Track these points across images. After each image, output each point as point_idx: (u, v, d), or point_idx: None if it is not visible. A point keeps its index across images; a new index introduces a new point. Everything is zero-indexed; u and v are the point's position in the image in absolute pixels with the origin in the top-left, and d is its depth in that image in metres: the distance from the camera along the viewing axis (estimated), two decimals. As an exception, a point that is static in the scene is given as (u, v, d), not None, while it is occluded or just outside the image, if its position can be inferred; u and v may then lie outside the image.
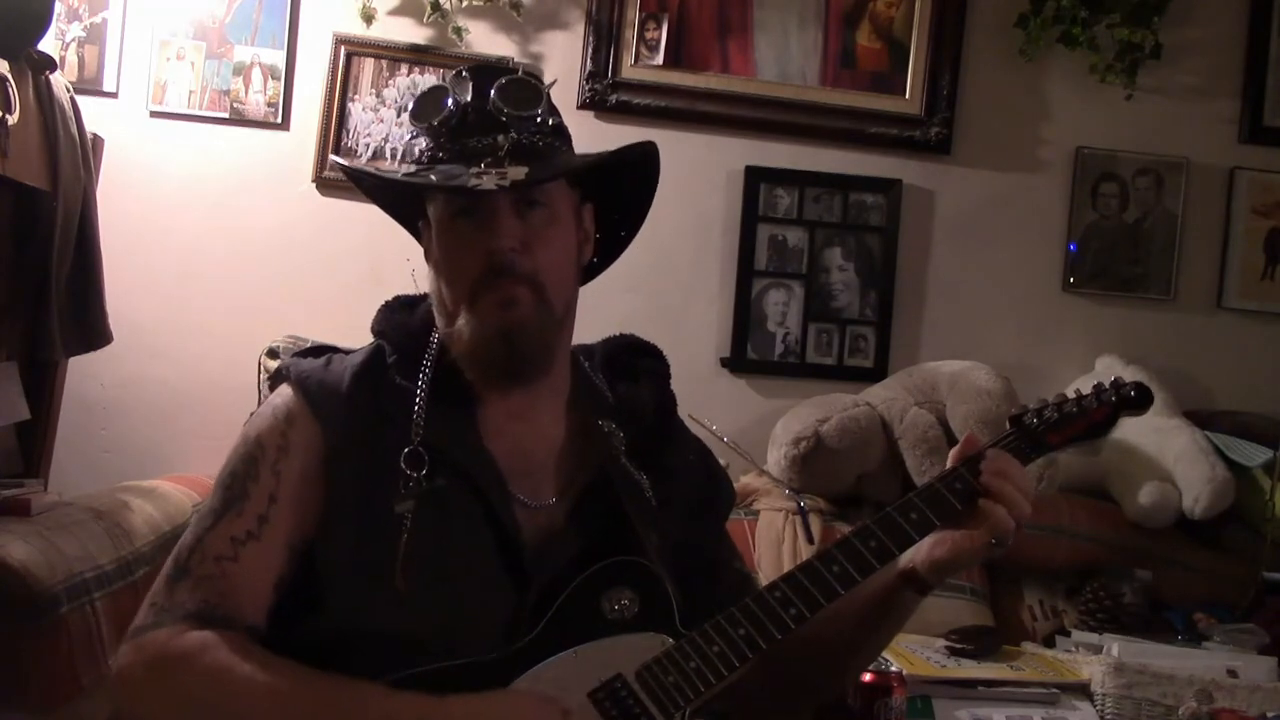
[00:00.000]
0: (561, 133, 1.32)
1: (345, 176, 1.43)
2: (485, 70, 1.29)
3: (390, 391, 1.27)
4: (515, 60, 2.66)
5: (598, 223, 1.38)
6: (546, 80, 1.32)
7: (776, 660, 1.30)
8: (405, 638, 1.16)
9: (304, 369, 1.29)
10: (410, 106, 1.30)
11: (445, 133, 1.27)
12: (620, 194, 1.38)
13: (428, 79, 2.63)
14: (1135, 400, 1.33)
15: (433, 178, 1.24)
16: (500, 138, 1.24)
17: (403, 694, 1.12)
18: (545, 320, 1.27)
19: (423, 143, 1.29)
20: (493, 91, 1.25)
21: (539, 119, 1.27)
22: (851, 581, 1.23)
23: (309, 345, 1.40)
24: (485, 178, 1.20)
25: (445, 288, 1.28)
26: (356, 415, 1.25)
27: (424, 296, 1.37)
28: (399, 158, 2.60)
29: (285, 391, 1.29)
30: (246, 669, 1.11)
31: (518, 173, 1.20)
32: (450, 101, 1.26)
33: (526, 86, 1.27)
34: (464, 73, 1.29)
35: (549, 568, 1.24)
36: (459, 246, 1.26)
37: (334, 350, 1.35)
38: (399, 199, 1.36)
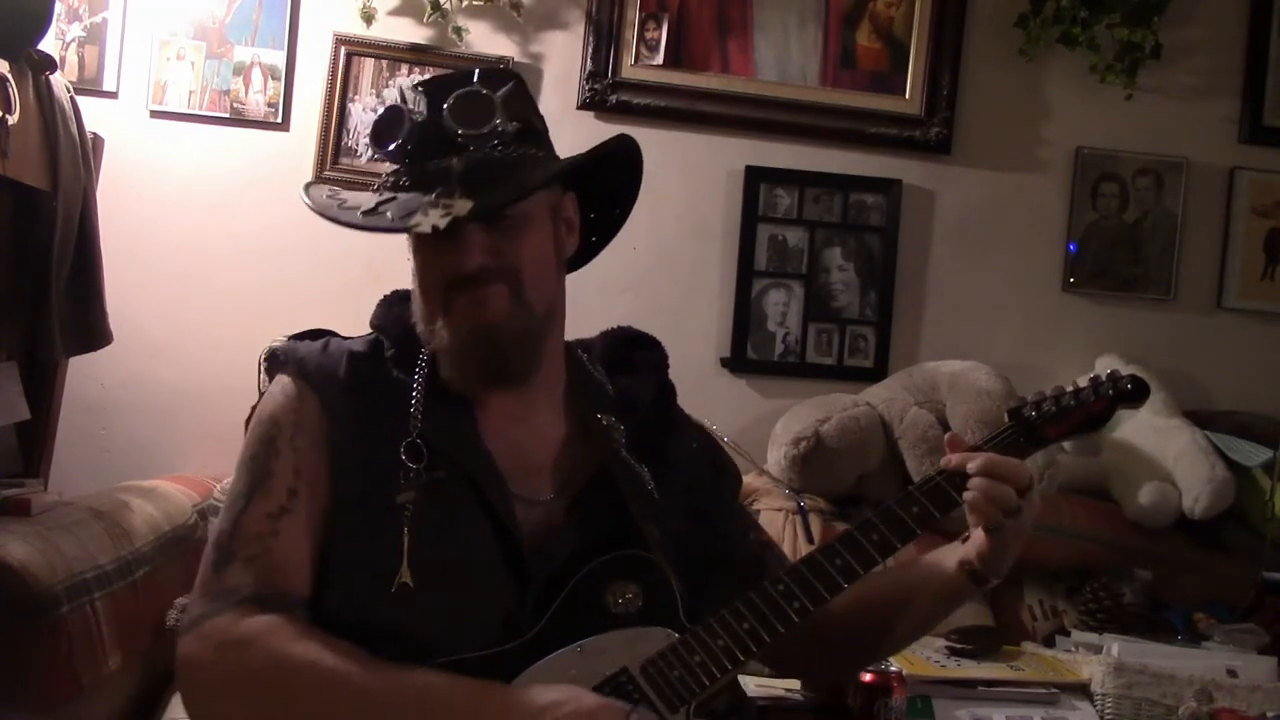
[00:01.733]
0: (526, 135, 1.28)
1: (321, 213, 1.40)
2: (437, 85, 1.27)
3: (387, 384, 1.28)
4: (516, 60, 2.65)
5: (590, 204, 1.38)
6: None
7: (816, 640, 1.33)
8: (407, 632, 1.17)
9: (301, 353, 1.30)
10: (370, 130, 1.28)
11: (406, 154, 1.25)
12: (606, 184, 1.38)
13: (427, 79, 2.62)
14: (1132, 393, 1.33)
15: (388, 213, 1.21)
16: (455, 161, 1.22)
17: (461, 679, 1.13)
18: (523, 319, 1.26)
19: (387, 165, 1.28)
20: (445, 110, 1.23)
21: (498, 130, 1.24)
22: (854, 575, 1.24)
23: (307, 330, 1.39)
24: (433, 211, 1.17)
25: (420, 295, 1.29)
26: (354, 400, 1.26)
27: None
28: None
29: (286, 375, 1.29)
30: (309, 649, 1.13)
31: (463, 206, 1.17)
32: (406, 123, 1.24)
33: (476, 102, 1.24)
34: (420, 88, 1.26)
35: (549, 563, 1.24)
36: (430, 258, 1.26)
37: (330, 334, 1.35)
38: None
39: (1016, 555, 1.29)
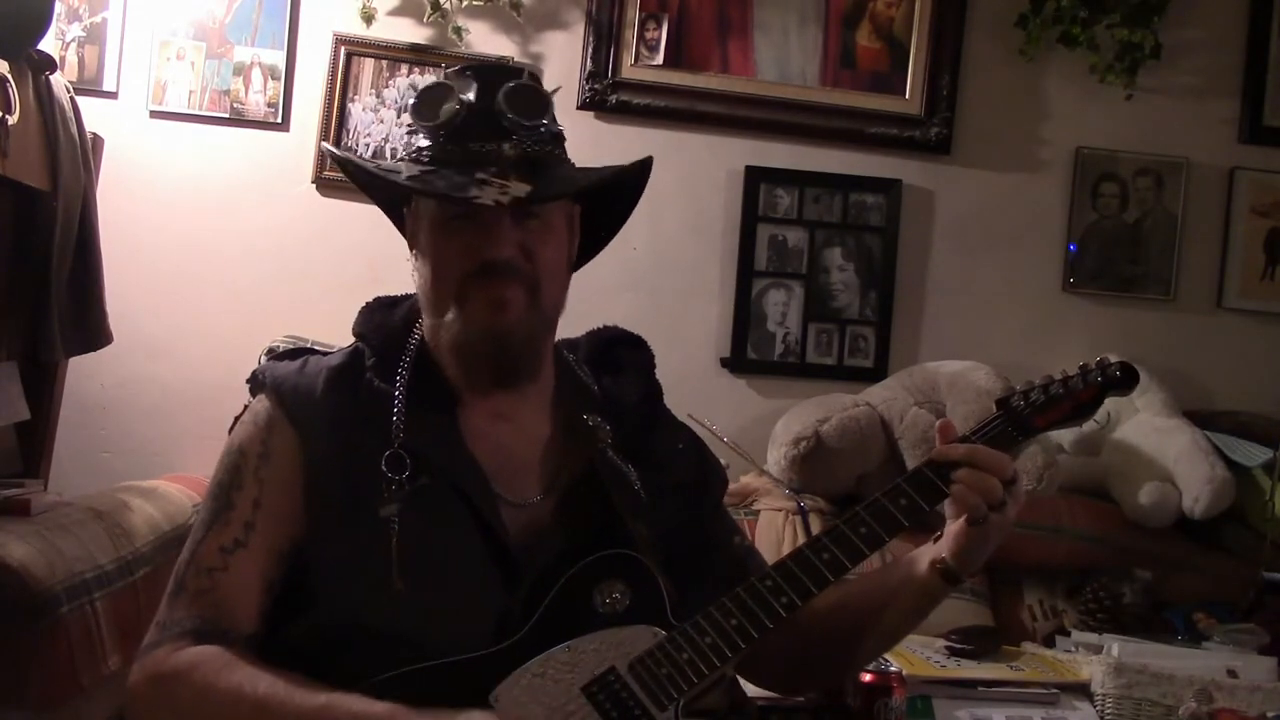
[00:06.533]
0: (560, 138, 1.32)
1: (342, 168, 1.42)
2: (490, 70, 1.29)
3: (368, 394, 1.27)
4: (515, 60, 2.66)
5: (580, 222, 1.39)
6: (546, 84, 1.32)
7: (798, 643, 1.32)
8: (398, 637, 1.17)
9: (278, 374, 1.30)
10: (412, 102, 1.29)
11: (448, 133, 1.26)
12: (607, 199, 1.38)
13: (428, 79, 2.62)
14: (1121, 380, 1.32)
15: (439, 184, 1.23)
16: (505, 146, 1.23)
17: (381, 705, 1.11)
18: (535, 324, 1.28)
19: (422, 139, 1.28)
20: (500, 96, 1.25)
21: (542, 127, 1.26)
22: (842, 569, 1.24)
23: (289, 349, 1.40)
24: (487, 189, 1.19)
25: (433, 283, 1.28)
26: (332, 418, 1.25)
27: (405, 296, 1.38)
28: (401, 155, 2.59)
29: (263, 398, 1.29)
30: (233, 682, 1.13)
31: (520, 189, 1.20)
32: (454, 101, 1.25)
33: (535, 94, 1.27)
34: (468, 71, 1.28)
35: (538, 564, 1.24)
36: (452, 247, 1.26)
37: (311, 352, 1.35)
38: (387, 188, 1.35)
39: (992, 552, 1.28)
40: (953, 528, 1.27)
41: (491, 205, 1.19)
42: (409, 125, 1.30)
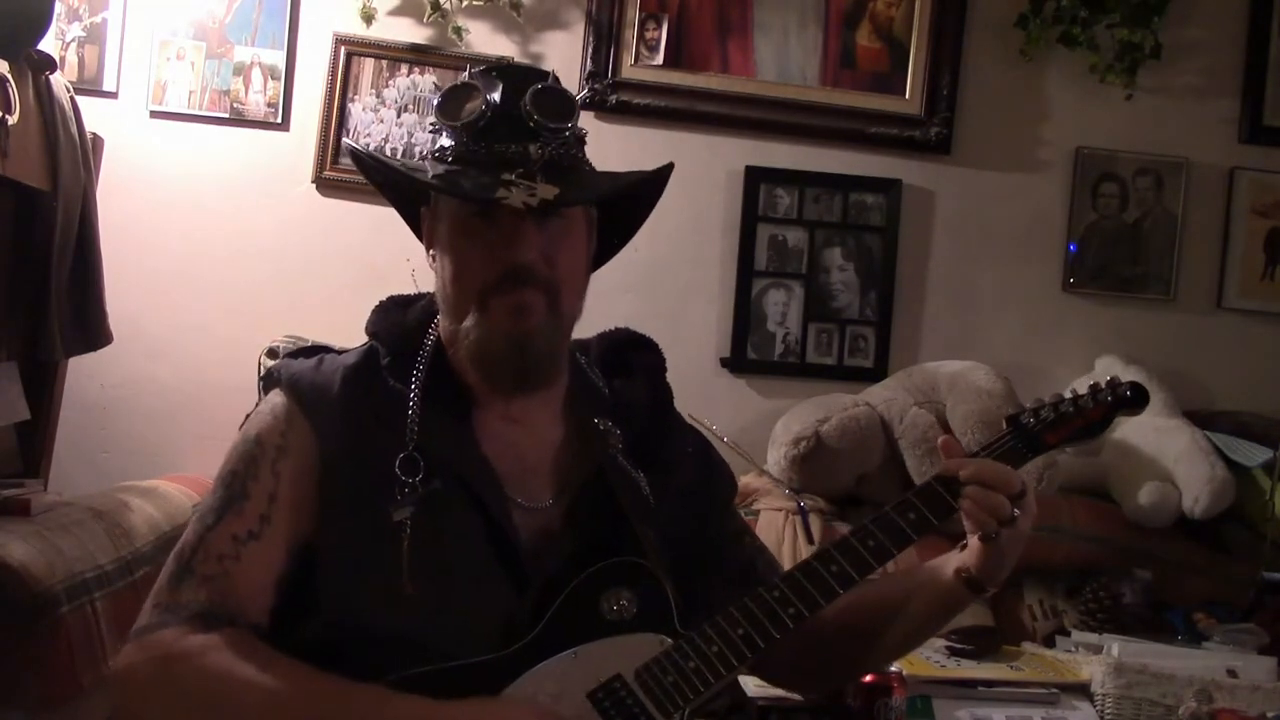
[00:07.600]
0: (582, 141, 1.31)
1: (360, 166, 1.40)
2: (517, 72, 1.28)
3: (383, 394, 1.27)
4: (515, 60, 2.66)
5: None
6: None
7: (805, 646, 1.33)
8: (406, 640, 1.16)
9: (295, 372, 1.29)
10: (437, 101, 1.28)
11: (472, 133, 1.24)
12: (624, 206, 1.38)
13: (428, 79, 2.63)
14: (1131, 400, 1.33)
15: (465, 184, 1.21)
16: (533, 148, 1.22)
17: (403, 697, 1.12)
18: (555, 329, 1.27)
19: (445, 138, 1.26)
20: (528, 98, 1.23)
21: (567, 130, 1.25)
22: (850, 581, 1.24)
23: (304, 346, 1.40)
24: (515, 190, 1.18)
25: (453, 285, 1.27)
26: (348, 418, 1.25)
27: (419, 296, 1.37)
28: (401, 155, 2.59)
29: (279, 394, 1.29)
30: (249, 669, 1.11)
31: (548, 191, 1.19)
32: (480, 101, 1.24)
33: (563, 98, 1.26)
34: (494, 72, 1.27)
35: (547, 569, 1.24)
36: (474, 248, 1.25)
37: (326, 350, 1.34)
38: (403, 186, 1.34)
39: (1015, 562, 1.28)
40: (973, 541, 1.28)
41: (520, 207, 1.18)
42: (432, 125, 1.29)
